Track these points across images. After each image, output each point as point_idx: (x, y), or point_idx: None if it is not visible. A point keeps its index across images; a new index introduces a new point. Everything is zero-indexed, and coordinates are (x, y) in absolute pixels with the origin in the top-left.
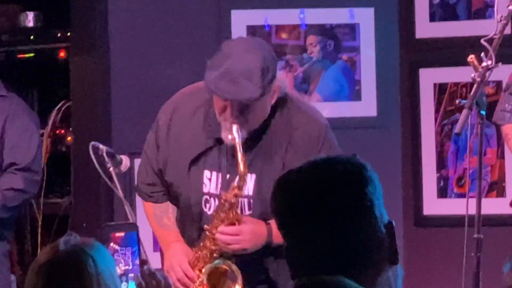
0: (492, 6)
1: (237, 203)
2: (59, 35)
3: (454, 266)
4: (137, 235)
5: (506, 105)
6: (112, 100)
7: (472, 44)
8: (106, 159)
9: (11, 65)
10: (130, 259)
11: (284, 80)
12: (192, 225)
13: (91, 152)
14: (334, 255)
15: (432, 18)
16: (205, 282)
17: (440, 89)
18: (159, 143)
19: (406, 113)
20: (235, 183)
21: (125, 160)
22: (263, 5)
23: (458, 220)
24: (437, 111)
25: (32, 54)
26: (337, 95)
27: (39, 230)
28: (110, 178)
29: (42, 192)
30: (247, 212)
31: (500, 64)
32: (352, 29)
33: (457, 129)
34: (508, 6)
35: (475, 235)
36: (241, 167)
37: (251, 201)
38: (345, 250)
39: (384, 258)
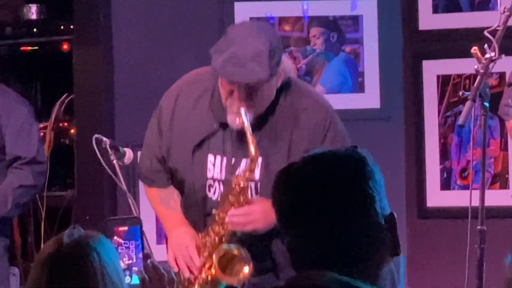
0: None
1: (247, 186)
2: (62, 27)
3: (457, 258)
4: (141, 229)
5: (510, 100)
6: (116, 92)
7: (476, 36)
8: (110, 151)
9: (15, 58)
10: (134, 253)
11: (288, 63)
12: (196, 211)
13: (94, 145)
14: (334, 249)
15: (436, 10)
16: (215, 265)
17: (444, 80)
18: (162, 129)
19: (409, 105)
20: (247, 166)
21: (129, 152)
22: None
23: (462, 212)
24: (440, 103)
25: (35, 47)
26: (340, 87)
27: (42, 223)
28: (114, 171)
29: (45, 185)
30: (254, 196)
31: (503, 55)
32: (355, 21)
33: (460, 120)
34: None
35: (479, 227)
36: (253, 150)
37: (258, 184)
38: (345, 244)
39: (385, 251)
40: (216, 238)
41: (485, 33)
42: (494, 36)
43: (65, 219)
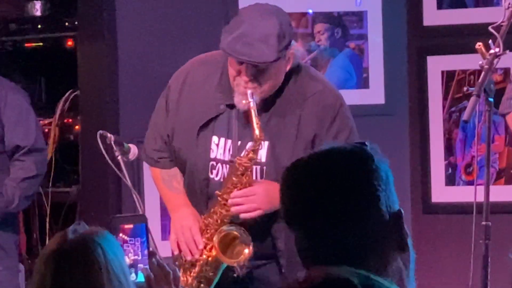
0: None
1: (251, 167)
2: (66, 24)
3: (462, 253)
4: (146, 226)
5: None
6: (120, 88)
7: (480, 31)
8: (114, 147)
9: (19, 54)
10: (139, 250)
11: (298, 48)
12: (199, 193)
13: (99, 141)
14: (339, 246)
15: (440, 6)
16: (216, 246)
17: (448, 76)
18: (168, 109)
19: (414, 101)
20: (250, 147)
21: (133, 148)
22: None
23: (466, 208)
24: (445, 98)
25: (39, 43)
26: (345, 82)
27: (47, 219)
28: (118, 167)
29: (50, 181)
30: (259, 179)
31: (508, 51)
32: (359, 17)
33: (465, 116)
34: None
35: (483, 222)
36: (257, 131)
37: (264, 168)
38: (350, 241)
39: (391, 248)
40: (219, 220)
41: (490, 28)
42: (498, 32)
43: (70, 215)
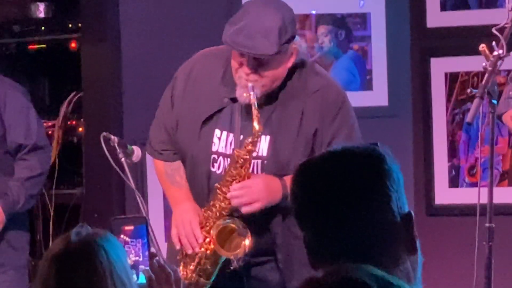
0: None
1: (250, 160)
2: (70, 25)
3: (466, 255)
4: (147, 227)
5: (511, 92)
6: (124, 90)
7: (484, 33)
8: (118, 149)
9: (22, 56)
10: (140, 251)
11: (302, 44)
12: (201, 186)
13: (102, 143)
14: (349, 246)
15: (443, 7)
16: (214, 239)
17: (452, 78)
18: (174, 100)
19: (418, 103)
20: (249, 140)
21: (137, 150)
22: None
23: (470, 209)
24: (448, 100)
25: (43, 45)
26: (348, 84)
27: (51, 221)
28: (122, 169)
29: (54, 183)
30: (259, 173)
31: (511, 53)
32: (363, 19)
33: (468, 118)
34: None
35: (487, 224)
36: (256, 124)
37: (265, 162)
38: (359, 242)
39: (400, 249)
40: (218, 213)
41: (493, 30)
42: (502, 34)
43: (74, 217)
